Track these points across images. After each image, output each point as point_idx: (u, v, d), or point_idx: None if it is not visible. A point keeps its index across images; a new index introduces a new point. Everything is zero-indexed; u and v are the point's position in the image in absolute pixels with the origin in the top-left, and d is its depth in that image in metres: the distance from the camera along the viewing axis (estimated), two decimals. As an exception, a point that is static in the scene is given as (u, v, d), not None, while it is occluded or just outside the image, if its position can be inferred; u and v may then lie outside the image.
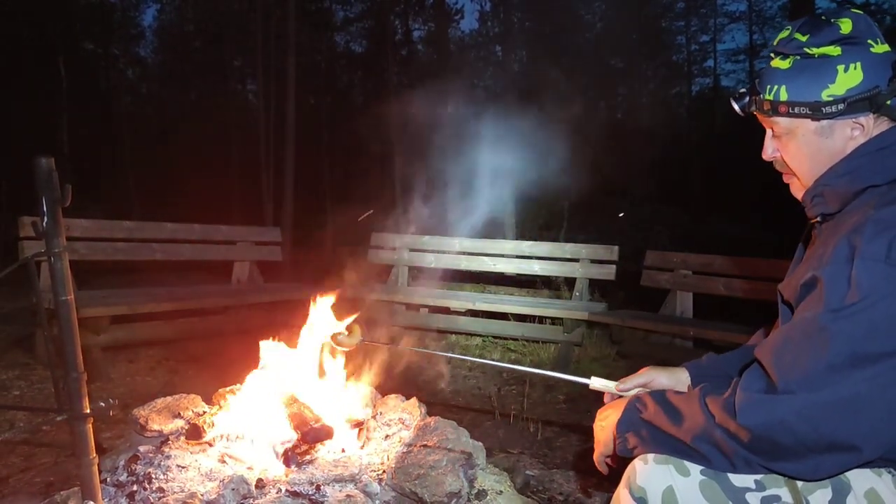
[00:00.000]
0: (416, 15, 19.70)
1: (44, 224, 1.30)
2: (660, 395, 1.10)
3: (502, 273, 5.58)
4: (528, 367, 1.49)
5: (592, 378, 1.40)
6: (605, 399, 1.39)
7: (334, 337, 1.47)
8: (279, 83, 13.99)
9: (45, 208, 1.30)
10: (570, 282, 5.79)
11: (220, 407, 2.01)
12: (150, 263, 4.87)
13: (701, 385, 1.07)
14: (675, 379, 1.37)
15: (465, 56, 20.29)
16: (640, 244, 7.15)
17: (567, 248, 5.20)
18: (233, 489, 1.58)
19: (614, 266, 4.85)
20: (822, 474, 0.94)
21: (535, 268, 5.30)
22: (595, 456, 1.23)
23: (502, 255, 5.37)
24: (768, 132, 1.12)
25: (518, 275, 5.89)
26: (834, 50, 0.99)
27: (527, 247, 5.44)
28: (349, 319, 1.60)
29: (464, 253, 5.43)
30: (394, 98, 15.35)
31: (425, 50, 20.28)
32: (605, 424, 1.20)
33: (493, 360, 4.46)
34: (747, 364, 1.03)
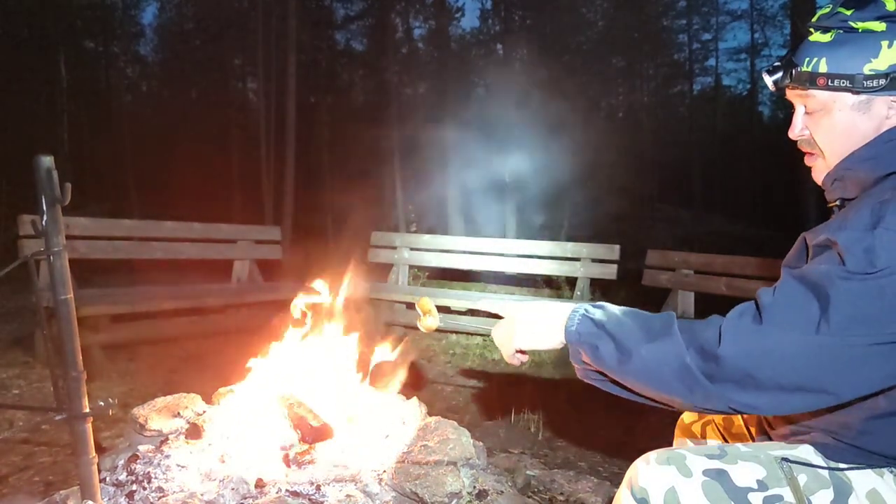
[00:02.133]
0: (416, 13, 19.68)
1: (43, 222, 1.30)
2: (629, 310, 1.04)
3: (503, 272, 5.57)
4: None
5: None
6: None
7: (420, 321, 1.45)
8: (280, 81, 13.99)
9: (44, 207, 1.29)
10: (571, 281, 5.78)
11: (220, 406, 2.01)
12: (149, 262, 4.87)
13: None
14: None
15: (466, 54, 20.29)
16: (641, 243, 7.16)
17: (568, 248, 5.19)
18: (232, 489, 1.58)
19: (615, 265, 4.85)
20: (784, 412, 0.93)
21: (537, 267, 5.29)
22: (507, 354, 1.16)
23: (503, 255, 5.37)
24: (798, 109, 1.10)
25: (519, 274, 5.88)
26: (878, 25, 0.98)
27: (528, 246, 5.43)
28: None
29: (465, 252, 5.42)
30: (394, 98, 15.35)
31: (426, 48, 20.26)
32: (530, 317, 1.12)
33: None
34: None
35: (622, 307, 1.06)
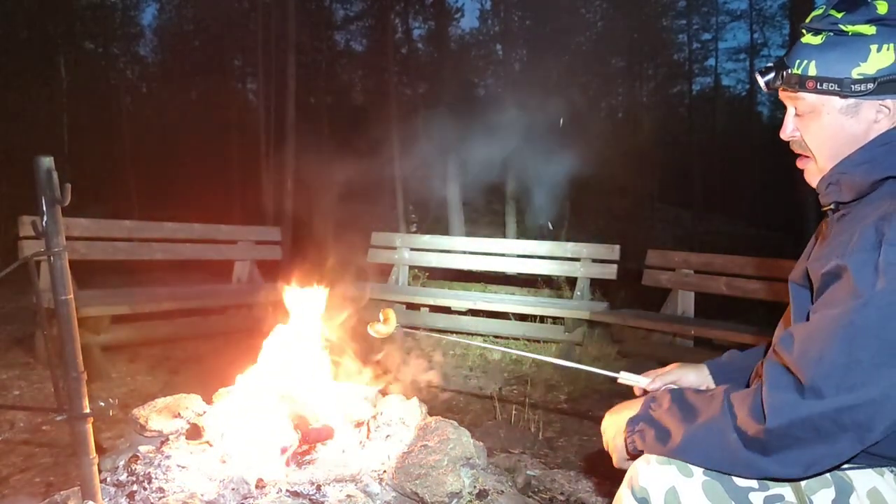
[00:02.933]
0: (416, 14, 19.69)
1: (43, 223, 1.30)
2: (678, 393, 1.09)
3: (503, 272, 5.57)
4: (559, 360, 1.54)
5: (621, 373, 1.39)
6: (636, 393, 1.38)
7: (371, 325, 1.54)
8: (279, 82, 13.99)
9: (44, 208, 1.29)
10: (571, 281, 5.78)
11: (221, 407, 2.01)
12: (150, 263, 4.86)
13: (726, 386, 1.05)
14: (703, 376, 1.35)
15: (465, 54, 20.30)
16: (641, 243, 7.15)
17: (568, 248, 5.19)
18: (233, 489, 1.58)
19: (615, 265, 4.85)
20: (815, 471, 0.92)
21: (537, 267, 5.29)
22: (614, 462, 1.21)
23: (503, 255, 5.36)
24: (790, 110, 1.10)
25: (519, 274, 5.87)
26: (868, 29, 0.98)
27: (528, 246, 5.44)
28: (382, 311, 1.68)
29: (465, 252, 5.42)
30: (394, 98, 15.35)
31: (425, 48, 20.27)
32: (617, 423, 1.17)
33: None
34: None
35: (673, 397, 1.09)
